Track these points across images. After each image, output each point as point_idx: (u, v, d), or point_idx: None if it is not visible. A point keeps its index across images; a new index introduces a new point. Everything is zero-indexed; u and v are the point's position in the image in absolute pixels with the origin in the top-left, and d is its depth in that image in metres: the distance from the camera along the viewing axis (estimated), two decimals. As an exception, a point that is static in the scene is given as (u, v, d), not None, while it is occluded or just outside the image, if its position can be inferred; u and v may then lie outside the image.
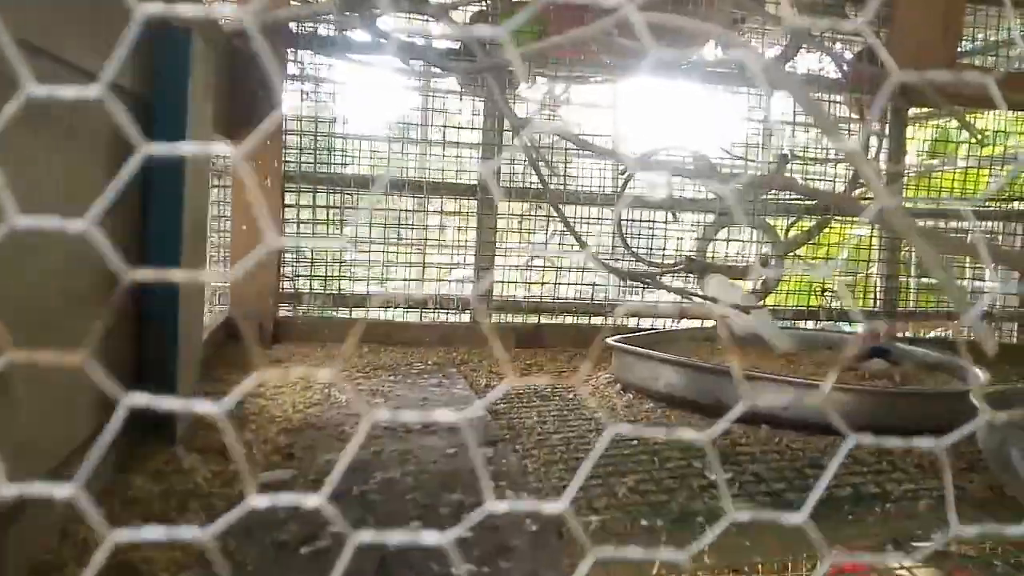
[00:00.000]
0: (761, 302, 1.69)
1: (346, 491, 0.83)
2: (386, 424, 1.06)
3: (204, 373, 1.30)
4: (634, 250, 2.05)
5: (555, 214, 1.95)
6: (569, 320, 1.77)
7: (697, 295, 1.45)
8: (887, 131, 2.01)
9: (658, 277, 1.56)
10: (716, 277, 1.57)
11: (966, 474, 0.92)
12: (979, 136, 1.95)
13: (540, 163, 1.36)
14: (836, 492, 0.88)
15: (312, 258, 1.65)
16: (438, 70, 1.58)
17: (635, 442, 1.04)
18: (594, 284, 1.82)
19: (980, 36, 2.44)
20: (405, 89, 1.90)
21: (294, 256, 1.64)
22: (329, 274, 1.68)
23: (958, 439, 0.32)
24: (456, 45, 1.74)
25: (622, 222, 2.05)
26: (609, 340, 1.34)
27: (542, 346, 1.69)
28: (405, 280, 1.73)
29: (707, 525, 0.81)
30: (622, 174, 2.14)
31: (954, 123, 3.47)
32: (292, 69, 1.64)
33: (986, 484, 0.89)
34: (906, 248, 2.30)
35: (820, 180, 2.16)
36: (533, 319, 1.75)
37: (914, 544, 0.83)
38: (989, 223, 2.89)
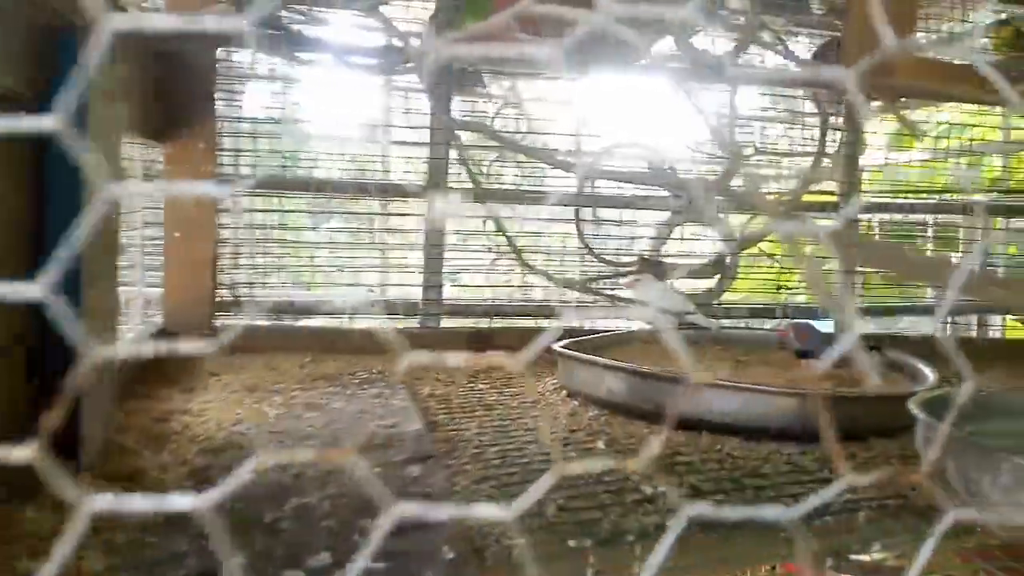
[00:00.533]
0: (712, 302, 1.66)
1: (257, 520, 0.78)
2: (312, 445, 1.01)
3: (131, 389, 1.25)
4: (595, 250, 2.02)
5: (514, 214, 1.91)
6: (523, 323, 1.73)
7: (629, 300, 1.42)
8: (844, 125, 1.99)
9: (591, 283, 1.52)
10: (648, 281, 1.54)
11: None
12: (917, 132, 1.94)
13: (469, 163, 1.32)
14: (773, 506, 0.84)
15: (253, 264, 1.59)
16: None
17: (574, 453, 1.01)
18: (547, 286, 1.78)
19: (946, 27, 2.44)
20: (365, 88, 1.85)
21: (233, 263, 1.58)
22: (272, 281, 1.62)
23: (807, 511, 0.28)
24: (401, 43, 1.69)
25: (583, 221, 2.02)
26: (555, 345, 1.30)
27: (495, 350, 1.64)
28: (354, 284, 1.68)
29: (637, 545, 0.77)
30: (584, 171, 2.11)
31: (916, 116, 3.48)
32: (261, 70, 1.60)
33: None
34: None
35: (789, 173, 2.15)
36: (485, 322, 1.71)
37: (852, 558, 0.80)
38: (950, 216, 2.90)
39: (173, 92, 1.43)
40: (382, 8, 1.60)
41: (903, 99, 2.11)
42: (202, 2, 1.38)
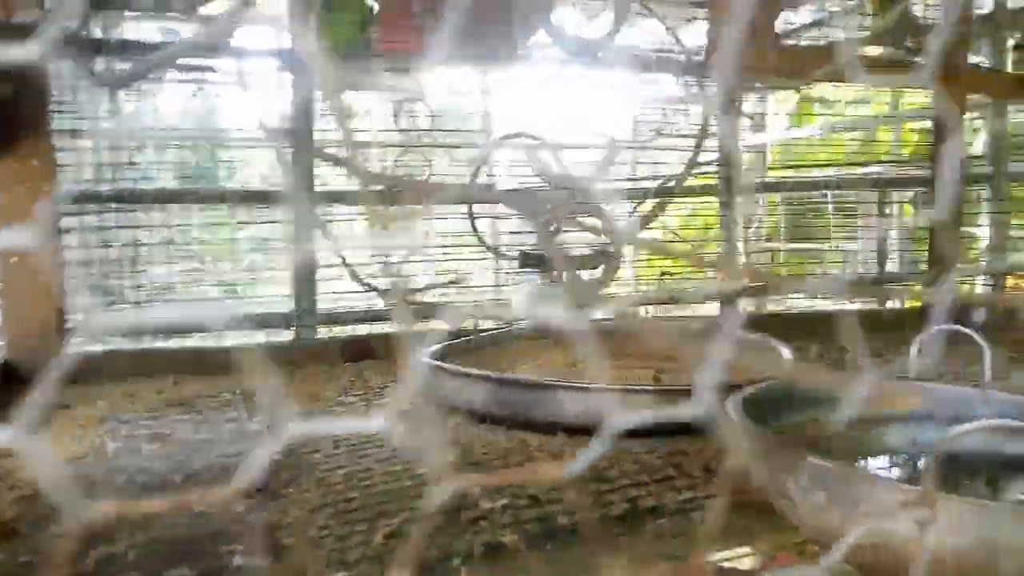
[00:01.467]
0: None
1: (51, 577, 0.72)
2: (144, 482, 0.95)
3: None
4: (492, 245, 2.00)
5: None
6: (402, 329, 1.68)
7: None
8: (723, 107, 2.01)
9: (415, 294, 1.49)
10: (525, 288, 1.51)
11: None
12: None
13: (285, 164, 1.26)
14: (611, 510, 0.83)
15: (104, 285, 1.50)
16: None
17: (421, 472, 0.97)
18: (423, 289, 1.74)
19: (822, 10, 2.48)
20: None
21: (84, 284, 1.48)
22: (130, 300, 1.53)
23: None
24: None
25: (475, 217, 1.99)
26: (420, 353, 1.25)
27: (373, 358, 1.59)
28: (221, 298, 1.60)
29: (464, 566, 0.74)
30: (473, 162, 2.07)
31: (815, 92, 3.58)
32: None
33: (765, 485, 0.86)
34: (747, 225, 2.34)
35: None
36: (363, 330, 1.65)
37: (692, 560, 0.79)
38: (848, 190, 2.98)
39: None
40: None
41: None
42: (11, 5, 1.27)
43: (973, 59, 2.27)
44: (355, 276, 1.46)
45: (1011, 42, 2.34)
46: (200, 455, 1.04)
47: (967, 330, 0.95)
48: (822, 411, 0.86)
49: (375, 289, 1.48)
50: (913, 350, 0.95)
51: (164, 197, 1.57)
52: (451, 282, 1.57)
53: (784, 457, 0.65)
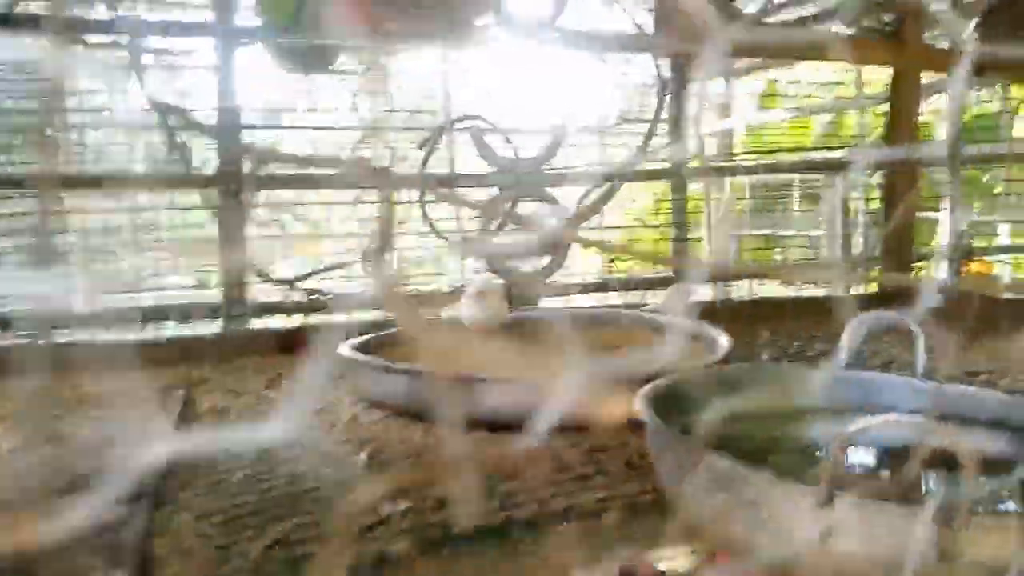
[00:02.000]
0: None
1: None
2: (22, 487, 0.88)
3: None
4: (441, 232, 1.94)
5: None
6: (338, 319, 1.62)
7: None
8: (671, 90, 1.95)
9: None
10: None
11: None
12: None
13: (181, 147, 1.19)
14: (516, 514, 0.77)
15: (19, 271, 1.41)
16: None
17: (329, 469, 0.91)
18: (367, 278, 1.67)
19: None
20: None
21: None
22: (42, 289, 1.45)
23: None
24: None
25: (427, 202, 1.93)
26: (341, 346, 1.19)
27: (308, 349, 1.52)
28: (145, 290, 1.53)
29: (350, 579, 0.68)
30: (423, 146, 2.01)
31: (780, 76, 3.53)
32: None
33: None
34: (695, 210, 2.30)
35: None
36: (297, 320, 1.59)
37: (604, 563, 0.74)
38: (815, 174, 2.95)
39: None
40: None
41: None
42: None
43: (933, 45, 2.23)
44: (261, 273, 1.39)
45: (971, 24, 2.30)
46: (95, 457, 0.97)
47: (901, 317, 0.90)
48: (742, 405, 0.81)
49: (283, 282, 1.41)
50: (844, 337, 0.91)
51: (84, 182, 1.49)
52: (334, 267, 1.51)
53: (683, 456, 0.60)
